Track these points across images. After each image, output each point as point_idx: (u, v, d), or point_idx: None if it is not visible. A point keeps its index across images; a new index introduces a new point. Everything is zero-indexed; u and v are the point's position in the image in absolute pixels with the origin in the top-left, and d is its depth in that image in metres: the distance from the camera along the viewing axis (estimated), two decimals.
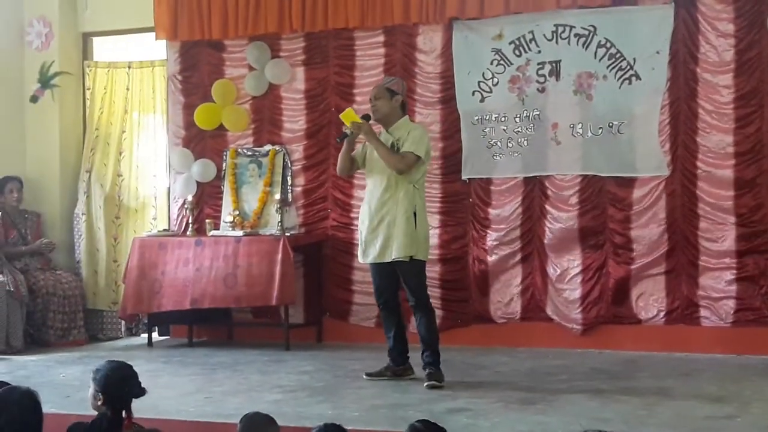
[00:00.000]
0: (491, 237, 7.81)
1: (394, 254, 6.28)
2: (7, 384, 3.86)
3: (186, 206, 8.43)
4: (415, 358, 6.47)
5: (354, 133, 6.47)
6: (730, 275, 7.25)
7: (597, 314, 7.55)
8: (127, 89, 8.87)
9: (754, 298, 7.21)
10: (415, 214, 6.28)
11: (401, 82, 6.65)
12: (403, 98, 6.49)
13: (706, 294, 7.31)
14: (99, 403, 3.92)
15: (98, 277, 8.76)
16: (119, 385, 3.92)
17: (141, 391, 3.96)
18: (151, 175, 8.90)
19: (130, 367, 4.11)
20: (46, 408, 3.75)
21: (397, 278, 6.43)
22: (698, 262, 7.34)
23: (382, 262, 6.35)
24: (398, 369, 6.49)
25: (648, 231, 7.43)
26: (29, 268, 8.33)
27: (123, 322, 8.64)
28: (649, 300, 7.45)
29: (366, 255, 6.45)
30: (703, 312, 7.32)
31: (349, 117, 6.46)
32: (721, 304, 7.26)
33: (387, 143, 6.37)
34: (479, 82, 7.79)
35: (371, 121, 6.49)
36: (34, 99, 8.91)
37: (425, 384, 6.21)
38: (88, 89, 8.93)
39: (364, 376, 6.52)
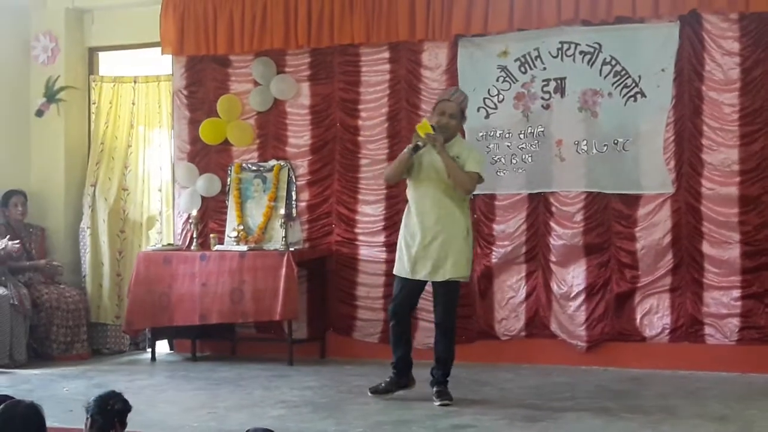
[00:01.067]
0: (495, 253, 7.81)
1: (449, 274, 6.19)
2: (11, 398, 3.85)
3: (190, 221, 8.43)
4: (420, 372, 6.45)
5: (425, 145, 6.24)
6: (734, 293, 7.24)
7: (602, 331, 7.53)
8: (133, 104, 8.89)
9: (759, 316, 7.19)
10: (468, 233, 6.26)
11: (466, 98, 6.55)
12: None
13: (711, 312, 7.29)
14: (89, 427, 3.90)
15: (102, 290, 8.75)
16: (104, 404, 3.91)
17: (125, 407, 3.93)
18: (156, 190, 8.92)
19: (115, 391, 4.07)
20: (50, 422, 3.75)
21: (419, 295, 6.42)
22: (703, 280, 7.33)
23: (419, 280, 6.27)
24: (403, 380, 6.44)
25: (653, 248, 7.42)
26: (33, 281, 8.33)
27: (128, 337, 8.62)
28: (654, 318, 7.44)
29: (415, 272, 6.26)
30: (707, 330, 7.31)
31: (425, 129, 6.22)
32: (726, 322, 7.25)
33: (438, 157, 6.21)
34: (484, 98, 7.80)
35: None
36: (39, 113, 8.93)
37: (437, 402, 6.15)
38: (94, 103, 8.95)
39: (369, 393, 6.46)
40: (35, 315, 8.13)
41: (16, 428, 3.50)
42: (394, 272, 6.46)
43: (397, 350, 6.44)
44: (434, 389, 6.26)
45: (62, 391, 6.81)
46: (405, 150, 6.36)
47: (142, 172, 8.90)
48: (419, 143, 6.24)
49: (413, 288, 6.35)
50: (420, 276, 6.27)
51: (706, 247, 7.32)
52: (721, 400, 6.28)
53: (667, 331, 7.39)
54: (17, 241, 8.11)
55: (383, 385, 6.47)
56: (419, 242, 6.24)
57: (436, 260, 6.20)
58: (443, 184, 6.21)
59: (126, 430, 3.97)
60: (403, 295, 6.36)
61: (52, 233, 8.85)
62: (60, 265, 8.54)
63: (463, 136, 6.78)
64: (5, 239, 8.03)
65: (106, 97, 8.93)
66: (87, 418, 3.87)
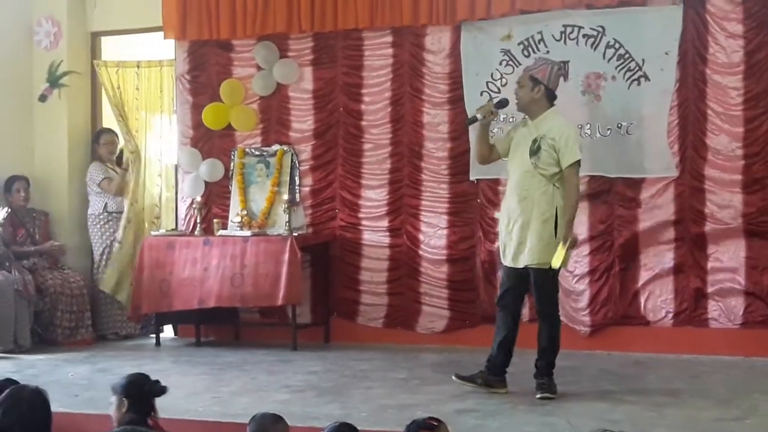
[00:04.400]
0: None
1: (526, 260, 5.89)
2: (16, 382, 3.86)
3: (194, 206, 8.43)
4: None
5: (485, 118, 6.10)
6: (738, 277, 7.23)
7: (605, 316, 7.53)
8: (137, 89, 8.88)
9: (763, 300, 7.19)
10: (556, 216, 5.87)
11: (550, 68, 6.11)
12: (548, 87, 6.03)
13: (715, 295, 7.29)
14: (124, 410, 3.89)
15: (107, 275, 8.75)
16: (140, 386, 3.92)
17: (162, 389, 3.94)
18: (157, 175, 8.93)
19: (145, 374, 4.10)
20: (54, 407, 3.76)
21: (527, 284, 6.03)
22: (706, 264, 7.32)
23: (516, 267, 5.99)
24: (492, 379, 6.07)
25: (656, 232, 7.41)
26: (37, 267, 8.33)
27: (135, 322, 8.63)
28: (657, 301, 7.44)
29: (504, 256, 6.07)
30: (711, 313, 7.30)
31: (566, 260, 5.93)
32: (730, 305, 7.24)
33: (530, 137, 5.97)
34: (487, 82, 7.78)
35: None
36: (42, 98, 8.92)
37: (537, 395, 5.87)
38: (102, 87, 8.92)
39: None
40: (40, 300, 8.14)
41: (21, 413, 3.52)
42: None
43: (495, 341, 6.12)
44: (536, 381, 5.97)
45: (67, 377, 6.83)
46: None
47: (145, 157, 8.90)
48: (476, 115, 6.18)
49: (512, 275, 6.02)
50: (507, 261, 6.04)
51: (709, 231, 7.31)
52: (725, 383, 6.30)
53: (671, 314, 7.39)
54: (5, 209, 8.09)
55: (472, 375, 6.11)
56: (504, 227, 6.06)
57: (516, 246, 5.95)
58: (526, 165, 5.94)
59: None
60: (507, 283, 6.08)
61: (56, 218, 8.85)
62: (63, 244, 8.55)
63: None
64: (2, 211, 8.02)
65: (111, 81, 8.90)
66: (120, 400, 3.84)
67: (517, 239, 5.94)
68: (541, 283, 5.97)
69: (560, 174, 5.93)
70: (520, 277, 6.02)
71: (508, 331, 6.09)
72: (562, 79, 7.47)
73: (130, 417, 3.92)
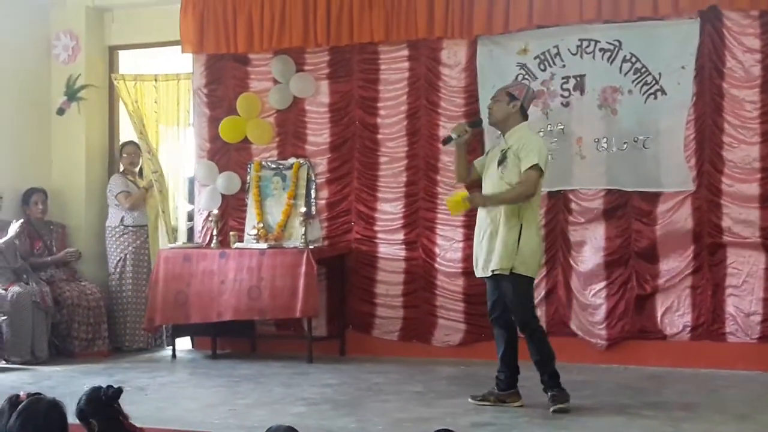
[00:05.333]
0: None
1: (492, 266, 5.97)
2: (37, 394, 3.86)
3: (210, 218, 8.46)
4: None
5: (461, 137, 6.21)
6: (756, 291, 7.20)
7: (622, 329, 7.51)
8: (155, 102, 8.93)
9: None
10: (521, 225, 5.93)
11: (527, 89, 6.29)
12: (524, 104, 6.15)
13: (732, 310, 7.26)
14: (96, 430, 3.85)
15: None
16: (97, 400, 3.86)
17: (118, 390, 3.88)
18: (177, 187, 8.98)
19: (97, 386, 4.00)
20: (71, 419, 3.75)
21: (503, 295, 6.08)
22: (724, 277, 7.29)
23: (490, 277, 6.04)
24: (502, 394, 6.08)
25: (673, 246, 7.38)
26: (54, 278, 8.39)
27: (148, 334, 8.65)
28: (675, 315, 7.41)
29: (476, 268, 6.16)
30: (728, 328, 7.27)
31: (456, 205, 6.10)
32: (747, 319, 7.21)
33: (500, 150, 6.10)
34: None
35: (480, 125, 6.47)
36: (60, 111, 8.99)
37: (551, 409, 5.84)
38: (120, 101, 8.97)
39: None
40: (57, 312, 8.18)
41: (38, 425, 3.51)
42: None
43: (498, 357, 6.15)
44: (547, 394, 5.94)
45: (83, 388, 6.81)
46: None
47: (163, 170, 8.95)
48: (451, 134, 6.27)
49: (491, 286, 6.09)
50: (478, 273, 6.15)
51: (727, 245, 7.28)
52: (743, 398, 6.26)
53: (688, 328, 7.37)
54: (20, 221, 8.12)
55: (484, 393, 6.14)
56: (476, 240, 6.15)
57: (485, 255, 6.03)
58: (494, 176, 6.06)
59: (148, 427, 3.98)
60: (490, 296, 6.14)
61: (73, 230, 8.90)
62: (77, 250, 8.61)
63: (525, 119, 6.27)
64: (16, 224, 8.04)
65: (129, 95, 8.95)
66: (89, 424, 3.79)
67: (486, 249, 6.03)
68: (510, 290, 5.96)
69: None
70: (493, 286, 6.10)
71: (506, 347, 6.11)
72: (578, 92, 7.57)
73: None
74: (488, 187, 6.13)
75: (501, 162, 6.04)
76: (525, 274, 5.96)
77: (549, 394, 5.95)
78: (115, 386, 3.86)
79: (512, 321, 6.08)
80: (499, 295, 6.06)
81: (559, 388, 5.95)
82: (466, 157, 6.37)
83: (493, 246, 5.97)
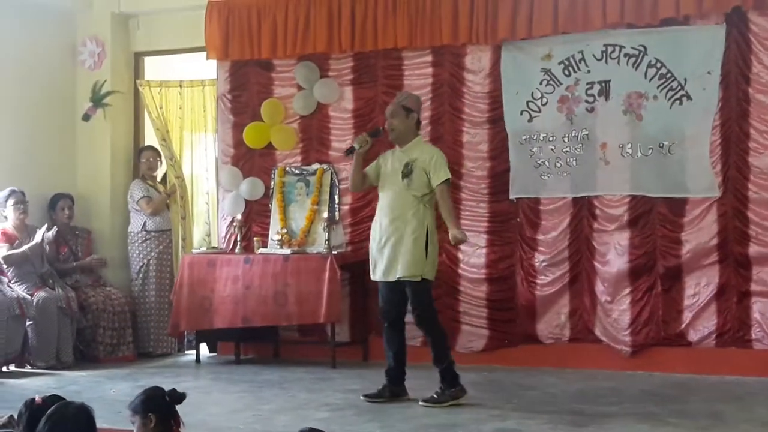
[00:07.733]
0: (539, 257, 7.77)
1: (399, 273, 6.35)
2: (62, 398, 3.89)
3: (234, 224, 8.49)
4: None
5: (362, 147, 6.56)
6: None
7: (647, 336, 7.47)
8: (180, 108, 8.97)
9: None
10: (427, 233, 6.34)
11: (417, 98, 6.74)
12: (418, 116, 6.60)
13: (758, 316, 7.21)
14: (152, 426, 3.89)
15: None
16: (160, 398, 3.92)
17: (181, 395, 3.94)
18: (203, 193, 9.02)
19: (159, 387, 4.08)
20: (99, 423, 3.77)
21: (404, 298, 6.47)
22: (750, 284, 7.25)
23: (389, 281, 6.43)
24: (396, 389, 6.53)
25: (699, 252, 7.35)
26: (80, 284, 8.44)
27: (174, 339, 8.68)
28: (700, 322, 7.37)
29: (374, 272, 6.56)
30: (755, 335, 7.22)
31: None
32: None
33: (401, 162, 6.44)
34: (528, 101, 7.78)
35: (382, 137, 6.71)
36: (86, 117, 9.04)
37: (420, 402, 6.32)
38: (146, 107, 9.01)
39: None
40: (82, 317, 8.23)
41: (66, 429, 3.54)
42: None
43: (389, 356, 6.61)
44: (437, 389, 6.38)
45: (109, 393, 6.88)
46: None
47: (188, 175, 9.00)
48: (354, 145, 6.60)
49: (390, 291, 6.48)
50: (377, 276, 6.52)
51: (752, 251, 7.24)
52: None
53: (714, 335, 7.32)
54: (54, 228, 8.19)
55: (378, 390, 6.54)
56: (376, 244, 6.50)
57: (387, 261, 6.40)
58: (398, 187, 6.41)
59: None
60: (386, 300, 6.53)
61: (98, 236, 8.95)
62: (103, 257, 8.66)
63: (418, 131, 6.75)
64: (42, 229, 8.10)
65: (155, 101, 8.99)
66: (146, 417, 3.84)
67: (389, 255, 6.38)
68: (419, 293, 6.37)
69: (430, 195, 6.40)
70: (398, 293, 6.45)
71: (399, 348, 6.58)
72: (603, 98, 7.55)
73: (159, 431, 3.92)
74: (390, 197, 6.46)
75: (407, 174, 6.40)
76: (430, 278, 6.43)
77: (434, 390, 6.32)
78: (180, 391, 3.92)
79: (404, 324, 6.56)
80: (400, 300, 6.45)
81: (449, 382, 6.34)
82: (362, 166, 6.67)
83: (398, 253, 6.34)
